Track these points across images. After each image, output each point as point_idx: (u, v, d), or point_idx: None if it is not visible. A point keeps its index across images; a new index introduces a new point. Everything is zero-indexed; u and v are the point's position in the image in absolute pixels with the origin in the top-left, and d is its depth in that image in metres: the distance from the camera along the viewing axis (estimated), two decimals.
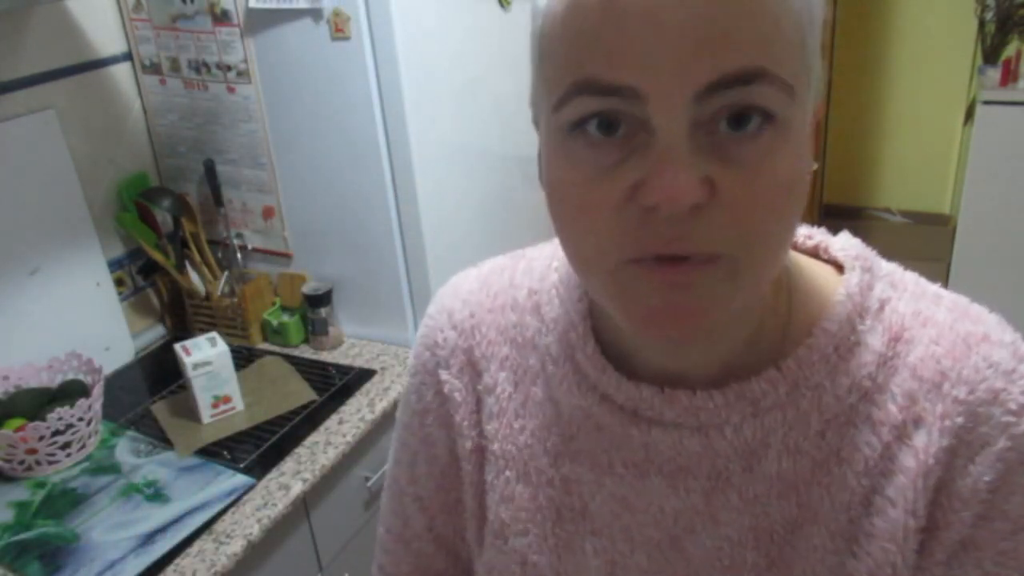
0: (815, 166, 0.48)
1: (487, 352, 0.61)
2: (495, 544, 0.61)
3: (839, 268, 0.55)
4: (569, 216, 0.45)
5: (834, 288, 0.53)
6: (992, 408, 0.48)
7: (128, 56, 1.62)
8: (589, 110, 0.41)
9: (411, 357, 0.67)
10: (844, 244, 0.56)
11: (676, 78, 0.39)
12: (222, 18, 1.46)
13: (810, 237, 0.58)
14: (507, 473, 0.60)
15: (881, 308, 0.52)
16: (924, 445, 0.48)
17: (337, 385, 1.49)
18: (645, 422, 0.53)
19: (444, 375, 0.62)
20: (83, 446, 1.35)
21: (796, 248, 0.57)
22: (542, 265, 0.62)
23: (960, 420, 0.48)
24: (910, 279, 0.55)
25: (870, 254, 0.55)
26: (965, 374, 0.48)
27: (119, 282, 1.65)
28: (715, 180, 0.40)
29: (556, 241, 0.58)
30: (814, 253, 0.57)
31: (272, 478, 1.27)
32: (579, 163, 0.42)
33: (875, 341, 0.51)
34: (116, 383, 1.55)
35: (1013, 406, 0.47)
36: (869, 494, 0.50)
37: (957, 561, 0.49)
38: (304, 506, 1.31)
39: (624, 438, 0.54)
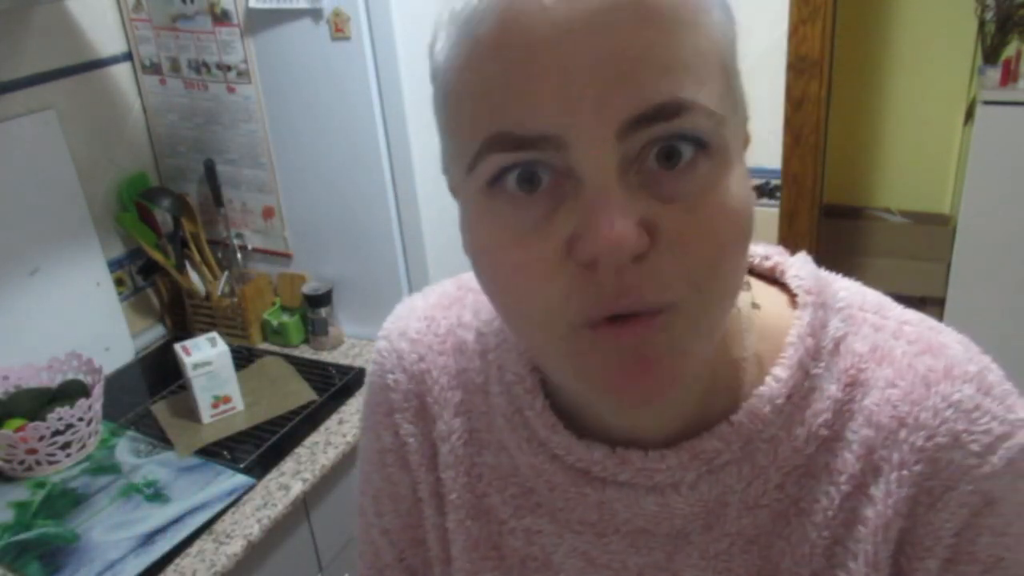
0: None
1: (439, 398, 0.58)
2: None
3: (792, 295, 0.51)
4: (502, 284, 0.41)
5: (787, 325, 0.49)
6: (952, 452, 0.45)
7: (128, 56, 1.62)
8: (505, 164, 0.38)
9: (366, 394, 0.65)
10: (799, 273, 0.52)
11: (595, 118, 0.36)
12: (222, 18, 1.46)
13: (767, 258, 0.54)
14: (468, 523, 0.57)
15: (836, 348, 0.48)
16: (883, 495, 0.46)
17: (337, 385, 1.49)
18: (599, 482, 0.50)
19: (398, 419, 0.60)
20: (83, 446, 1.35)
21: (752, 270, 0.54)
22: (488, 306, 0.58)
23: (919, 468, 0.45)
24: (870, 307, 0.51)
25: (825, 285, 0.51)
26: (923, 419, 0.46)
27: (119, 282, 1.65)
28: (655, 222, 0.37)
29: None
30: (771, 274, 0.54)
31: (272, 478, 1.27)
32: (503, 224, 0.39)
33: (830, 386, 0.48)
34: (116, 383, 1.55)
35: (975, 447, 0.45)
36: (831, 546, 0.48)
37: None
38: (304, 506, 1.31)
39: (578, 498, 0.51)
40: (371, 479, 0.65)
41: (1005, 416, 0.46)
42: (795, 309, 0.50)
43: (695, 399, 0.49)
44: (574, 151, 0.36)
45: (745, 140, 0.44)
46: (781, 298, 0.52)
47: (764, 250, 0.55)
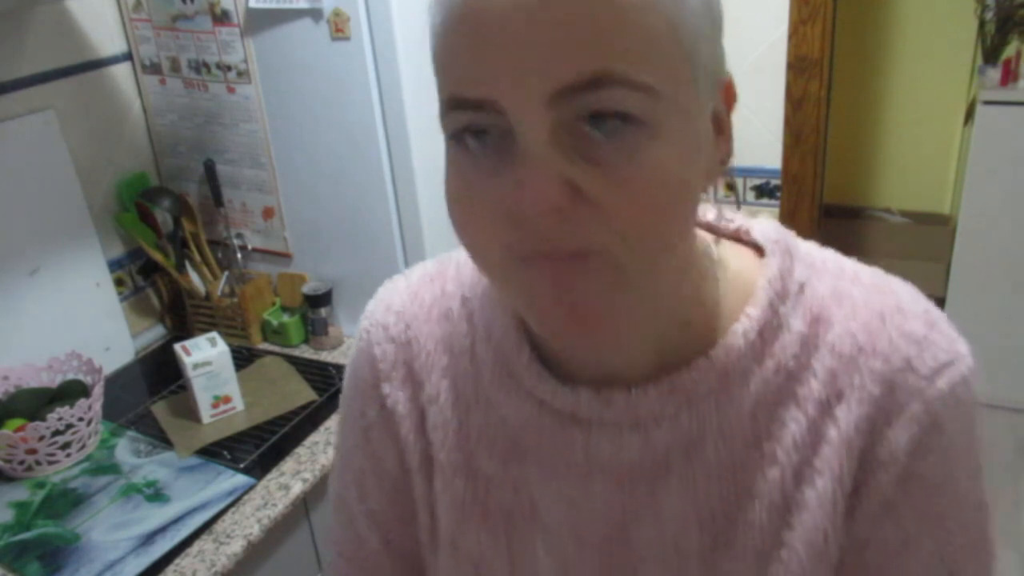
0: (731, 157, 0.50)
1: (427, 363, 0.61)
2: (448, 551, 0.62)
3: (760, 251, 0.57)
4: (457, 217, 0.46)
5: (756, 273, 0.55)
6: (906, 375, 0.50)
7: (128, 56, 1.62)
8: (461, 123, 0.43)
9: (347, 376, 0.66)
10: (764, 227, 0.57)
11: (525, 88, 0.40)
12: (222, 18, 1.46)
13: (731, 221, 0.59)
14: (456, 481, 0.60)
15: (801, 290, 0.54)
16: (845, 416, 0.51)
17: (337, 385, 1.48)
18: (585, 424, 0.54)
19: (386, 388, 0.62)
20: (83, 446, 1.35)
21: (718, 233, 0.58)
22: (472, 271, 0.62)
23: (876, 390, 0.51)
24: (829, 258, 0.56)
25: (788, 236, 0.57)
26: (879, 346, 0.51)
27: (119, 282, 1.65)
28: (578, 182, 0.41)
29: None
30: (735, 236, 0.59)
31: (272, 478, 1.27)
32: (461, 171, 0.45)
33: (797, 323, 0.53)
34: (116, 383, 1.56)
35: (924, 371, 0.50)
36: (799, 468, 0.53)
37: (879, 523, 0.52)
38: (304, 506, 1.31)
39: (565, 442, 0.55)
40: (352, 463, 0.66)
41: (949, 347, 0.52)
42: (761, 260, 0.55)
43: (668, 336, 0.53)
44: (510, 115, 0.41)
45: (728, 98, 0.48)
46: (747, 252, 0.57)
47: (729, 214, 0.60)
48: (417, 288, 0.64)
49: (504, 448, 0.58)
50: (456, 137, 0.44)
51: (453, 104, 0.43)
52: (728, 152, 0.50)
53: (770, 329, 0.53)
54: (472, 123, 0.43)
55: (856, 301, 0.53)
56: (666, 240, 0.45)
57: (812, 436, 0.52)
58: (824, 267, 0.56)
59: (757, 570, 0.54)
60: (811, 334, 0.53)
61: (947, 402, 0.50)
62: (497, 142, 0.43)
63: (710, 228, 0.59)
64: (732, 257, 0.56)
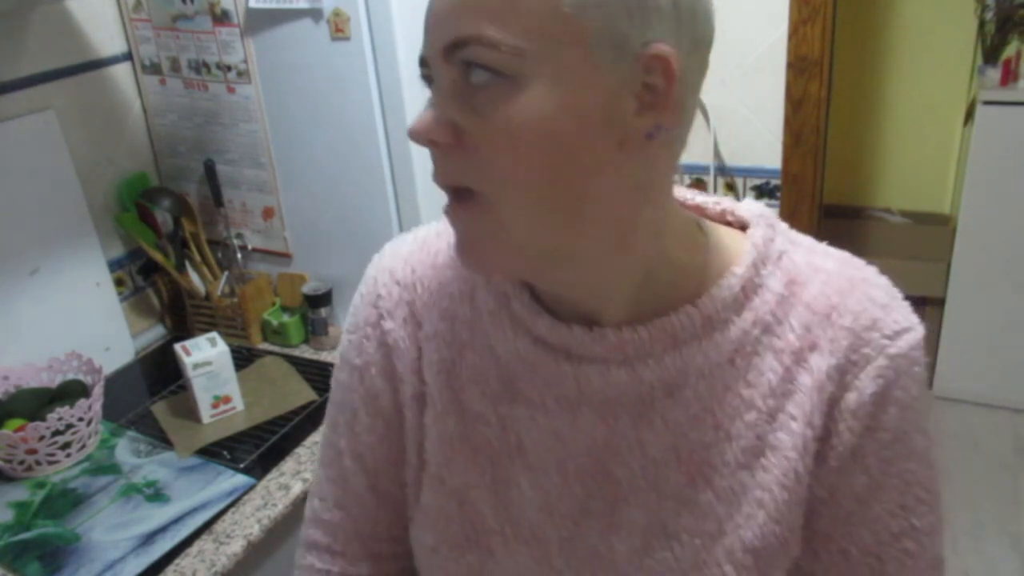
0: (667, 130, 0.51)
1: (428, 303, 0.66)
2: (433, 485, 0.65)
3: (744, 230, 0.63)
4: None
5: (741, 243, 0.61)
6: (871, 333, 0.56)
7: (128, 56, 1.62)
8: (422, 75, 0.54)
9: (350, 316, 0.71)
10: (749, 207, 0.64)
11: (432, 45, 0.50)
12: (222, 18, 1.46)
13: (718, 203, 0.65)
14: (445, 416, 0.64)
15: (780, 257, 0.60)
16: (818, 365, 0.57)
17: None
18: (576, 359, 0.59)
19: (388, 325, 0.67)
20: (83, 446, 1.35)
21: (706, 214, 0.65)
22: None
23: (846, 343, 0.57)
24: (804, 238, 0.63)
25: (771, 214, 0.63)
26: (850, 306, 0.57)
27: (119, 282, 1.65)
28: (460, 125, 0.50)
29: None
30: (721, 217, 0.65)
31: (272, 478, 1.27)
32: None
33: (775, 283, 0.59)
34: (116, 383, 1.55)
35: (888, 332, 0.57)
36: (774, 412, 0.58)
37: (848, 469, 0.58)
38: (304, 506, 1.31)
39: (557, 375, 0.59)
40: (346, 404, 0.70)
41: (906, 315, 0.58)
42: (746, 233, 0.62)
43: (651, 294, 0.58)
44: (431, 69, 0.52)
45: (666, 71, 0.49)
46: (732, 230, 0.63)
47: (716, 198, 0.66)
48: (424, 238, 0.70)
49: (495, 388, 0.63)
50: (426, 86, 0.54)
51: (421, 60, 0.53)
52: (659, 124, 0.51)
53: (752, 286, 0.58)
54: (423, 74, 0.53)
55: (829, 270, 0.59)
56: (534, 186, 0.50)
57: (787, 384, 0.58)
58: (800, 242, 0.62)
59: (732, 509, 0.58)
60: (788, 294, 0.59)
61: (906, 360, 0.57)
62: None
63: (698, 209, 0.66)
64: (719, 231, 0.62)
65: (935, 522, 0.60)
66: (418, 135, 0.50)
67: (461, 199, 0.52)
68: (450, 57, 0.49)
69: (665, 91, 0.50)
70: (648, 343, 0.57)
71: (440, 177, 0.52)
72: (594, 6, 0.47)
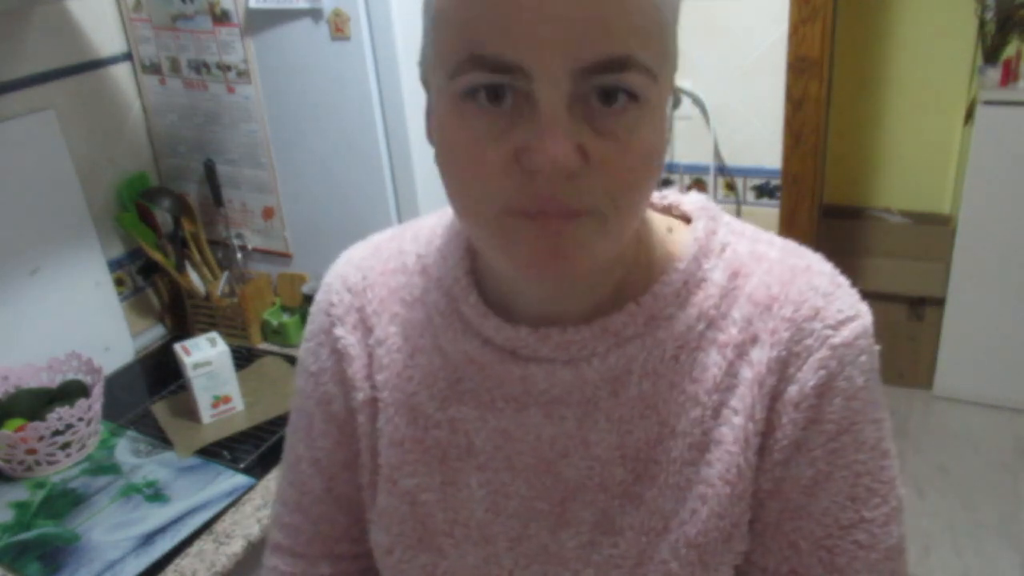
0: (667, 144, 0.55)
1: (378, 309, 0.67)
2: (386, 488, 0.66)
3: (688, 222, 0.63)
4: (459, 170, 0.50)
5: (684, 237, 0.61)
6: (814, 323, 0.56)
7: (128, 56, 1.62)
8: (480, 82, 0.47)
9: (308, 324, 0.72)
10: (692, 199, 0.64)
11: (559, 59, 0.44)
12: (222, 18, 1.46)
13: (664, 197, 0.66)
14: (396, 419, 0.65)
15: (723, 249, 0.60)
16: (759, 357, 0.57)
17: None
18: (523, 359, 0.59)
19: (339, 331, 0.68)
20: (83, 446, 1.35)
21: (652, 207, 0.65)
22: (427, 233, 0.69)
23: (788, 334, 0.56)
24: (748, 228, 0.63)
25: (714, 206, 0.63)
26: (791, 296, 0.57)
27: (119, 282, 1.65)
28: (587, 148, 0.47)
29: (439, 212, 0.69)
30: (667, 210, 0.66)
31: (272, 478, 1.27)
32: (471, 126, 0.48)
33: (718, 276, 0.59)
34: (116, 383, 1.56)
35: (831, 321, 0.56)
36: (718, 407, 0.58)
37: (794, 461, 0.57)
38: None
39: (504, 375, 0.60)
40: (304, 409, 0.71)
41: (851, 303, 0.58)
42: (689, 226, 0.62)
43: (608, 288, 0.59)
44: (536, 82, 0.45)
45: (672, 91, 0.54)
46: (678, 222, 0.64)
47: (662, 192, 0.66)
48: (377, 244, 0.70)
49: (444, 390, 0.63)
50: (469, 93, 0.47)
51: (477, 63, 0.46)
52: (670, 133, 0.56)
53: (694, 281, 0.59)
54: (492, 82, 0.46)
55: (772, 259, 0.59)
56: (644, 201, 0.52)
57: (730, 378, 0.58)
58: (743, 232, 0.62)
59: (677, 505, 0.59)
60: (731, 287, 0.59)
61: (850, 350, 0.56)
62: (513, 104, 0.47)
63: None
64: (665, 225, 0.63)
65: (890, 512, 0.59)
66: (557, 165, 0.45)
67: (572, 215, 0.48)
68: (585, 77, 0.45)
69: (669, 116, 0.54)
70: (591, 342, 0.57)
71: (563, 202, 0.47)
72: (674, 34, 0.50)
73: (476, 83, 0.47)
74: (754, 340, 0.57)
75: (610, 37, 0.44)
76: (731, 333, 0.58)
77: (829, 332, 0.56)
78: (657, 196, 0.66)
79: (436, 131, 0.52)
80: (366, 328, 0.67)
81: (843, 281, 0.59)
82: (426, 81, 0.54)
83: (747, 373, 0.57)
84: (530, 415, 0.60)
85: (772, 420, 0.57)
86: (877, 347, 0.59)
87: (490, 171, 0.48)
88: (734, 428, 0.57)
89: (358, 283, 0.68)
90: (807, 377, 0.56)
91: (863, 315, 0.58)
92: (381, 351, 0.66)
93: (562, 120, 0.45)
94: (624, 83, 0.46)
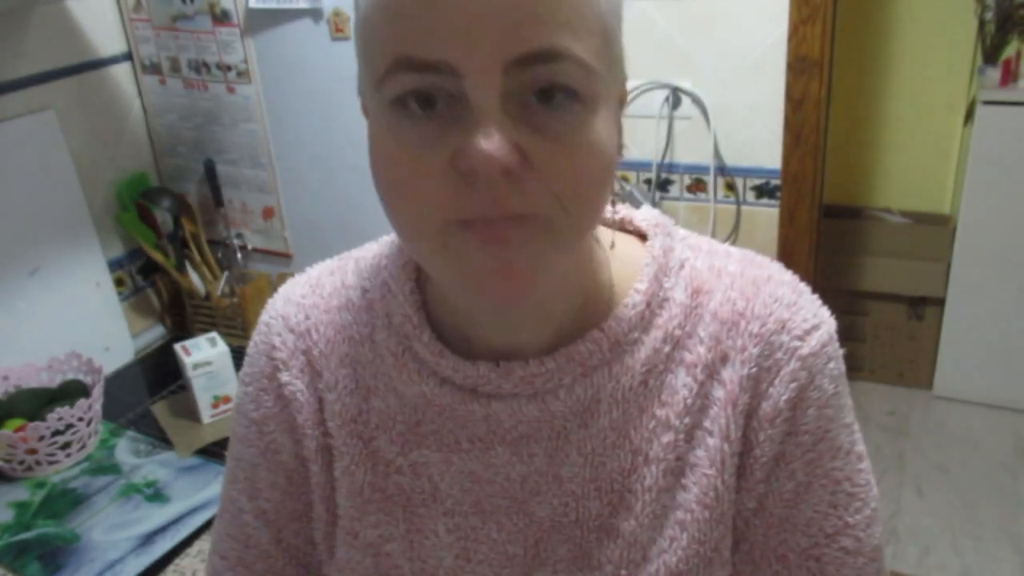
0: (624, 147, 0.54)
1: (325, 351, 0.62)
2: (346, 540, 0.62)
3: (643, 237, 0.61)
4: (395, 186, 0.48)
5: (641, 255, 0.59)
6: (781, 336, 0.55)
7: (128, 56, 1.62)
8: (408, 86, 0.44)
9: (245, 365, 0.66)
10: (645, 215, 0.62)
11: (486, 53, 0.42)
12: (222, 18, 1.46)
13: (616, 212, 0.63)
14: (353, 467, 0.61)
15: (682, 266, 0.59)
16: (730, 376, 0.55)
17: None
18: (485, 397, 0.56)
19: (285, 377, 0.62)
20: (83, 446, 1.35)
21: (604, 223, 0.61)
22: (370, 264, 0.64)
23: (756, 350, 0.55)
24: (704, 241, 0.62)
25: (668, 222, 0.62)
26: (756, 311, 0.56)
27: (119, 282, 1.65)
28: (526, 148, 0.44)
29: (382, 240, 0.65)
30: (621, 226, 0.63)
31: None
32: (402, 136, 0.45)
33: (679, 294, 0.57)
34: (116, 383, 1.55)
35: (797, 332, 0.55)
36: (691, 429, 0.56)
37: (774, 476, 0.57)
38: None
39: (466, 415, 0.57)
40: (244, 459, 0.66)
41: (814, 311, 0.57)
42: (645, 244, 0.60)
43: (567, 315, 0.56)
44: (466, 79, 0.42)
45: (621, 96, 0.52)
46: (632, 239, 0.62)
47: (615, 207, 0.64)
48: (318, 279, 0.65)
49: (404, 433, 0.60)
50: (399, 102, 0.45)
51: (403, 64, 0.43)
52: (621, 145, 0.52)
53: (656, 301, 0.57)
54: (421, 87, 0.43)
55: (732, 273, 0.58)
56: (596, 207, 0.49)
57: (701, 400, 0.56)
58: (700, 246, 0.61)
59: (655, 534, 0.57)
60: (694, 304, 0.57)
61: (818, 359, 0.56)
62: (444, 109, 0.44)
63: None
64: (619, 243, 0.60)
65: (870, 515, 0.58)
66: (493, 165, 0.42)
67: (515, 221, 0.45)
68: (516, 71, 0.42)
69: (619, 116, 0.52)
70: (557, 374, 0.55)
71: (504, 206, 0.44)
72: (616, 32, 0.48)
73: (404, 88, 0.44)
74: (724, 359, 0.56)
75: (540, 28, 0.42)
76: (699, 352, 0.56)
77: (797, 344, 0.55)
78: (609, 211, 0.63)
79: (371, 149, 0.49)
80: (314, 371, 0.62)
81: (804, 289, 0.58)
82: (364, 109, 0.52)
83: (719, 393, 0.56)
84: (497, 455, 0.57)
85: (749, 438, 0.56)
86: (842, 351, 0.58)
87: (426, 182, 0.45)
88: (709, 450, 0.56)
89: (301, 323, 0.63)
90: (780, 392, 0.55)
91: (827, 321, 0.57)
92: (332, 396, 0.61)
93: (495, 116, 0.43)
94: (559, 78, 0.43)
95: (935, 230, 2.87)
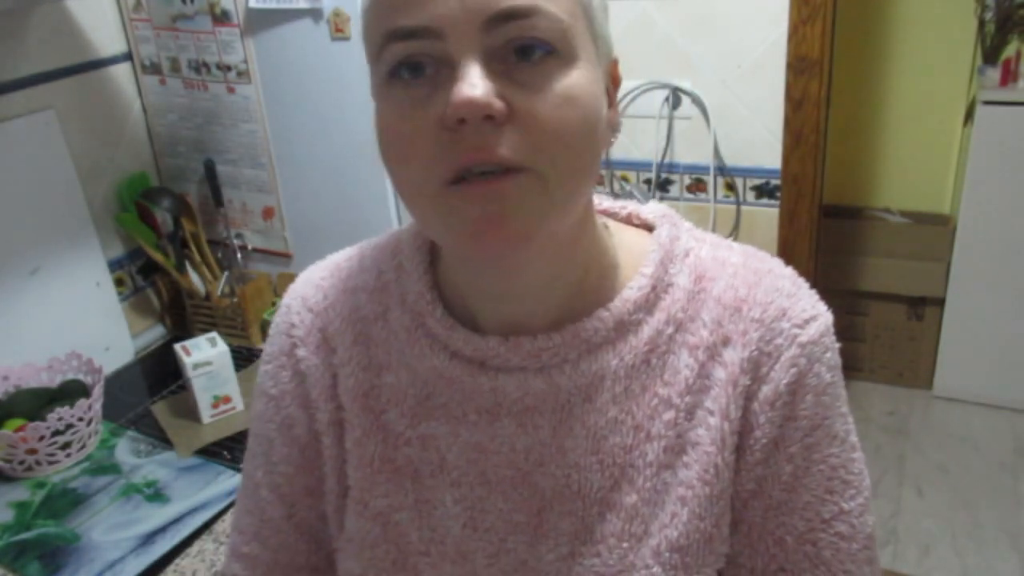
0: (619, 130, 0.58)
1: (341, 329, 0.65)
2: (357, 510, 0.64)
3: (650, 230, 0.64)
4: (394, 151, 0.51)
5: (647, 244, 0.62)
6: (782, 323, 0.58)
7: (128, 56, 1.62)
8: (399, 55, 0.49)
9: (265, 346, 0.70)
10: (652, 208, 0.66)
11: (463, 13, 0.46)
12: (222, 18, 1.46)
13: (624, 207, 0.67)
14: (364, 439, 0.64)
15: (687, 255, 0.61)
16: (732, 358, 0.58)
17: None
18: (493, 370, 0.59)
19: (301, 353, 0.66)
20: (83, 446, 1.35)
21: (613, 217, 0.66)
22: (387, 248, 0.68)
23: (757, 334, 0.58)
24: (708, 235, 0.65)
25: (674, 214, 0.65)
26: (758, 298, 0.58)
27: (119, 282, 1.65)
28: (508, 98, 0.47)
29: (398, 228, 0.69)
30: (628, 220, 0.66)
31: None
32: (397, 103, 0.50)
33: (684, 281, 0.60)
34: (116, 383, 1.55)
35: (797, 320, 0.58)
36: (692, 408, 0.58)
37: (773, 459, 0.58)
38: None
39: (475, 388, 0.60)
40: (262, 434, 0.69)
41: (813, 303, 0.60)
42: (651, 234, 0.63)
43: (570, 291, 0.59)
44: (449, 40, 0.47)
45: (613, 74, 0.57)
46: (639, 231, 0.65)
47: (621, 202, 0.68)
48: (336, 263, 0.70)
49: (414, 406, 0.62)
50: (392, 73, 0.50)
51: (392, 35, 0.48)
52: (617, 123, 0.57)
53: (661, 285, 0.60)
54: (410, 54, 0.48)
55: (735, 264, 0.61)
56: (583, 160, 0.51)
57: (703, 380, 0.58)
58: (704, 239, 0.64)
59: (657, 509, 0.59)
60: (697, 290, 0.60)
61: (817, 347, 0.58)
62: (433, 73, 0.49)
63: (606, 213, 0.66)
64: (626, 234, 0.64)
65: (864, 503, 0.61)
66: (476, 106, 0.46)
67: (509, 174, 0.48)
68: (495, 28, 0.47)
69: (613, 95, 0.57)
70: (563, 349, 0.58)
71: (493, 153, 0.47)
72: (598, 11, 0.53)
73: (396, 58, 0.49)
74: (726, 341, 0.58)
75: None
76: (701, 335, 0.58)
77: (797, 331, 0.57)
78: (617, 206, 0.67)
79: (375, 124, 0.53)
80: (329, 348, 0.66)
81: (803, 283, 0.61)
82: (373, 94, 0.56)
83: (720, 374, 0.58)
84: (503, 426, 0.60)
85: (749, 420, 0.58)
86: (840, 347, 0.61)
87: (420, 142, 0.49)
88: (710, 429, 0.58)
89: (319, 303, 0.67)
90: (780, 376, 0.57)
91: (824, 314, 0.60)
92: (346, 371, 0.64)
93: (477, 70, 0.47)
94: (534, 33, 0.47)
95: (935, 230, 2.87)
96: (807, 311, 0.58)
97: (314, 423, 0.66)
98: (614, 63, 0.57)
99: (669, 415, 0.58)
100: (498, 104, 0.47)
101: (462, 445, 0.61)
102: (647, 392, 0.59)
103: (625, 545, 0.59)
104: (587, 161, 0.52)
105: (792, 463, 0.58)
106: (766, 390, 0.57)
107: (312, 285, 0.68)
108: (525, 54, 0.48)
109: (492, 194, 0.48)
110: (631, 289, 0.59)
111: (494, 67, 0.47)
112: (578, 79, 0.49)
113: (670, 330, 0.59)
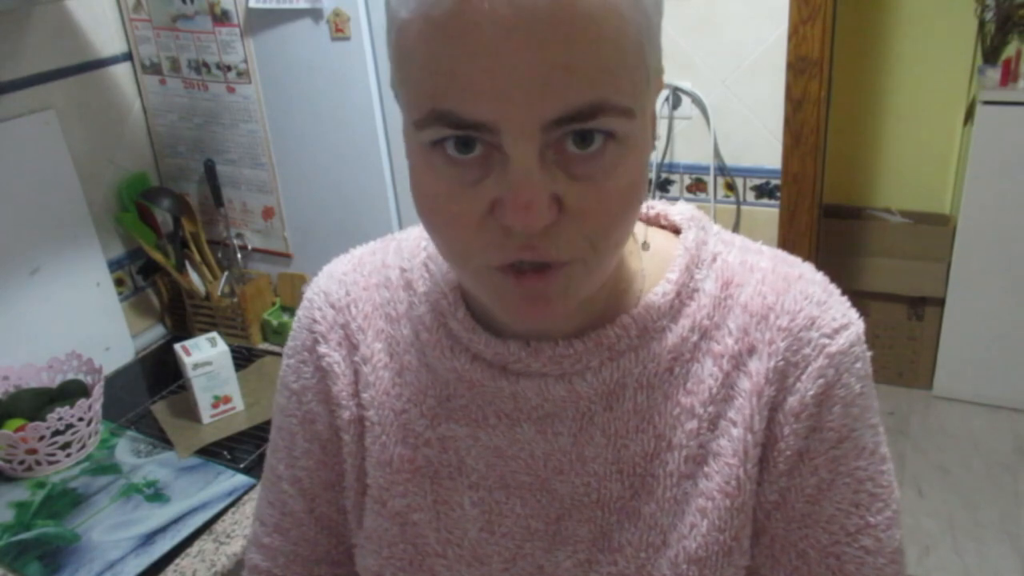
0: (656, 143, 0.54)
1: (363, 325, 0.65)
2: (375, 509, 0.64)
3: (677, 232, 0.63)
4: (437, 224, 0.49)
5: (674, 248, 0.60)
6: (810, 332, 0.56)
7: (128, 56, 1.62)
8: (445, 135, 0.44)
9: (289, 339, 0.70)
10: (680, 209, 0.63)
11: (525, 114, 0.42)
12: (222, 18, 1.46)
13: (652, 207, 0.65)
14: (384, 438, 0.63)
15: (714, 259, 0.60)
16: (757, 368, 0.56)
17: None
18: (513, 375, 0.58)
19: (323, 349, 0.66)
20: (83, 446, 1.35)
21: (640, 218, 0.62)
22: (411, 245, 0.67)
23: (785, 344, 0.56)
24: (737, 238, 0.63)
25: (702, 216, 0.63)
26: (786, 306, 0.56)
27: (119, 282, 1.65)
28: (563, 196, 0.45)
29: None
30: (656, 221, 0.65)
31: None
32: (441, 177, 0.46)
33: (710, 287, 0.58)
34: (116, 383, 1.56)
35: (826, 330, 0.56)
36: (715, 419, 0.57)
37: (797, 471, 0.57)
38: None
39: (495, 392, 0.59)
40: (285, 428, 0.69)
41: (844, 311, 0.57)
42: (678, 237, 0.61)
43: (596, 303, 0.57)
44: (504, 137, 0.43)
45: (657, 87, 0.51)
46: (666, 233, 0.63)
47: (650, 202, 0.65)
48: (360, 258, 0.69)
49: (434, 407, 0.62)
50: (437, 144, 0.45)
51: (441, 118, 0.43)
52: (655, 136, 0.53)
53: (687, 291, 0.58)
54: (458, 136, 0.44)
55: (764, 269, 0.59)
56: (625, 238, 0.50)
57: (727, 390, 0.57)
58: (733, 242, 0.62)
59: (676, 519, 0.57)
60: (723, 296, 0.58)
61: (847, 358, 0.56)
62: (483, 154, 0.45)
63: None
64: (653, 236, 0.62)
65: (891, 516, 0.59)
66: (534, 225, 0.44)
67: (559, 266, 0.47)
68: (555, 129, 0.43)
69: (653, 104, 0.53)
70: (585, 356, 0.56)
71: (545, 253, 0.46)
72: (654, 40, 0.47)
73: (441, 136, 0.44)
74: (751, 350, 0.56)
75: (578, 84, 0.41)
76: (727, 343, 0.57)
77: (826, 341, 0.56)
78: (645, 206, 0.65)
79: (411, 178, 0.50)
80: (351, 345, 0.65)
81: (834, 289, 0.59)
82: (397, 99, 0.52)
83: (745, 384, 0.56)
84: (523, 431, 0.59)
85: (773, 431, 0.56)
86: (870, 353, 0.59)
87: (466, 226, 0.46)
88: (733, 440, 0.56)
89: (341, 299, 0.66)
90: (806, 387, 0.55)
91: (856, 322, 0.57)
92: (367, 368, 0.64)
93: (534, 172, 0.43)
94: (598, 127, 0.43)
95: (935, 230, 2.87)
96: (837, 320, 0.56)
97: (335, 419, 0.66)
98: (661, 72, 0.52)
99: (691, 425, 0.57)
100: (553, 215, 0.44)
101: (481, 448, 0.60)
102: (669, 401, 0.57)
103: (643, 555, 0.58)
104: (626, 237, 0.50)
105: (817, 475, 0.57)
106: (792, 401, 0.56)
107: (335, 280, 0.68)
108: (584, 142, 0.44)
109: (531, 284, 0.48)
110: (656, 295, 0.57)
111: (548, 156, 0.44)
112: (635, 164, 0.47)
113: (695, 338, 0.57)
